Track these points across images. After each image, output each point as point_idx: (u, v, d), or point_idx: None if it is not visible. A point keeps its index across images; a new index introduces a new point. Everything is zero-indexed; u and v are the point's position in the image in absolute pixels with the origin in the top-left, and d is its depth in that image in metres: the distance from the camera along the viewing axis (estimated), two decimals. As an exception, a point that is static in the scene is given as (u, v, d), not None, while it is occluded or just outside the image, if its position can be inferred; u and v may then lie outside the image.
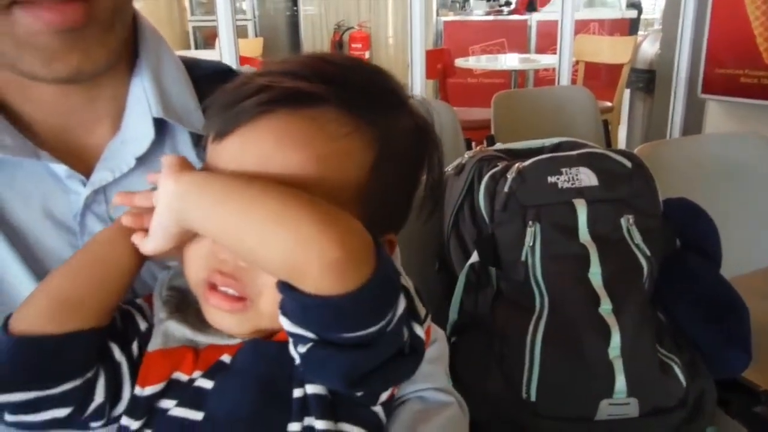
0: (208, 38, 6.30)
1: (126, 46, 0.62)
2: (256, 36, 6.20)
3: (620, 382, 0.97)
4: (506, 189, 1.13)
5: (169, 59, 0.67)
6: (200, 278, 0.52)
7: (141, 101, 0.62)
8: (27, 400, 0.49)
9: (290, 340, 0.47)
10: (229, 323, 0.52)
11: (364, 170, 0.51)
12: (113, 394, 0.53)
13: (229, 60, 2.66)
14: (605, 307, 1.02)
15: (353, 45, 6.58)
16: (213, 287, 0.51)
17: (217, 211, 0.46)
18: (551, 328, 1.02)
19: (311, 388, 0.50)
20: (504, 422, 1.00)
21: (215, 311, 0.52)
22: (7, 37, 0.51)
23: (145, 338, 0.55)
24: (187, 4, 6.52)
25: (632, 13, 5.75)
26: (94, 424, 0.54)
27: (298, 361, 0.48)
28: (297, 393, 0.50)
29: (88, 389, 0.52)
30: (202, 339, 0.53)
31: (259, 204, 0.45)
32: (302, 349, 0.46)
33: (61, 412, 0.51)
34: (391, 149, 0.53)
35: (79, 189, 0.60)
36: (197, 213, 0.47)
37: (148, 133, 0.62)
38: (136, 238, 0.52)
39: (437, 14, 6.04)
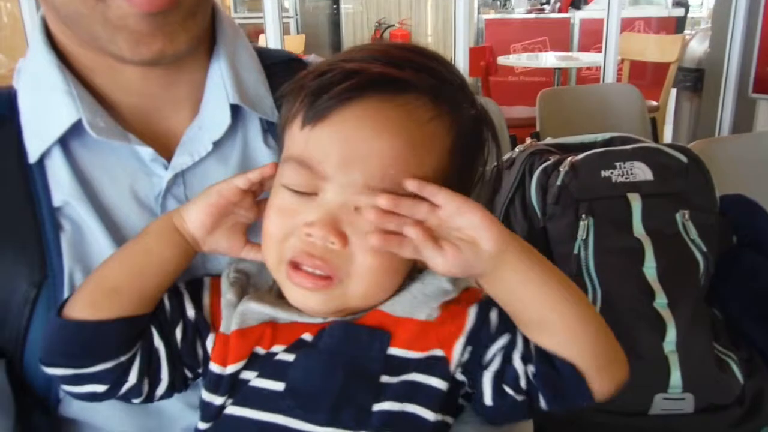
0: (250, 35, 6.35)
1: (205, 34, 0.65)
2: (298, 33, 6.27)
3: (675, 377, 0.97)
4: (558, 182, 1.13)
5: (244, 47, 0.69)
6: (284, 258, 0.53)
7: (219, 88, 0.64)
8: (68, 375, 0.54)
9: (494, 368, 0.52)
10: (312, 301, 0.53)
11: (444, 156, 0.53)
12: (151, 376, 0.56)
13: (276, 55, 2.70)
14: (660, 301, 1.01)
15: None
16: (296, 267, 0.53)
17: (536, 283, 0.50)
18: (605, 320, 1.02)
19: (435, 382, 0.52)
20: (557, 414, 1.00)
21: (297, 289, 0.53)
22: (100, 20, 0.54)
23: (192, 324, 0.58)
24: (230, 1, 6.62)
25: (679, 12, 5.63)
26: (134, 400, 0.57)
27: (486, 390, 0.53)
28: (386, 379, 0.52)
29: (122, 371, 0.55)
30: (283, 316, 0.55)
31: (576, 295, 0.50)
32: (514, 394, 0.52)
33: (98, 388, 0.55)
34: (463, 137, 0.55)
35: (161, 172, 0.62)
36: (516, 278, 0.49)
37: (225, 119, 0.64)
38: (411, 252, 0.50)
39: (478, 12, 6.01)
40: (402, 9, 6.76)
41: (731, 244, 1.13)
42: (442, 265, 0.49)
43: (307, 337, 0.55)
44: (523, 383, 0.51)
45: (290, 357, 0.54)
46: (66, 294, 0.58)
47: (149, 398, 0.57)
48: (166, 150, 0.63)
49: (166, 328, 0.57)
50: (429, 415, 0.52)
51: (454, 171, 0.54)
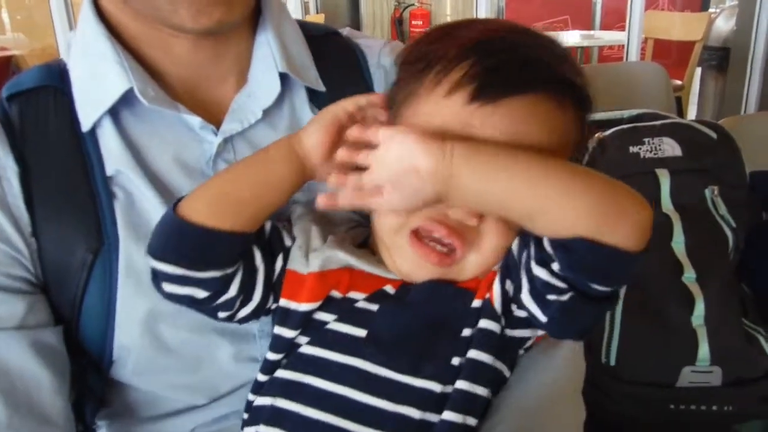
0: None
1: (253, 5, 0.66)
2: (317, 12, 6.24)
3: (704, 350, 0.97)
4: (586, 158, 1.13)
5: (288, 19, 0.71)
6: (407, 226, 0.54)
7: (266, 57, 0.66)
8: (175, 274, 0.55)
9: (527, 289, 0.51)
10: (427, 273, 0.55)
11: (568, 152, 0.55)
12: (245, 293, 0.58)
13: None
14: (688, 275, 1.01)
15: (413, 22, 6.54)
16: (419, 238, 0.54)
17: (500, 176, 0.48)
18: (632, 295, 1.03)
19: (485, 323, 0.53)
20: (586, 383, 1.01)
21: (416, 260, 0.55)
22: None
23: (288, 253, 0.60)
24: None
25: (704, -11, 5.52)
26: (221, 314, 0.59)
27: (536, 311, 0.51)
28: (466, 332, 0.54)
29: (225, 282, 0.57)
30: (366, 268, 0.57)
31: (554, 169, 0.48)
32: (559, 298, 0.49)
33: (198, 293, 0.56)
34: (580, 135, 0.57)
35: (210, 138, 0.64)
36: (472, 180, 0.48)
37: (275, 87, 0.65)
38: (351, 196, 0.52)
39: (499, -9, 5.93)
40: (422, -12, 6.68)
41: (761, 220, 1.13)
42: (385, 204, 0.50)
43: (389, 289, 0.57)
44: (557, 282, 0.49)
45: (373, 306, 0.56)
46: (122, 262, 0.60)
47: (234, 316, 0.59)
48: (213, 119, 0.65)
49: (267, 253, 0.59)
50: (486, 358, 0.53)
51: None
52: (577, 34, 4.67)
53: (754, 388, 0.99)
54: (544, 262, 0.49)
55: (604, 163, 1.12)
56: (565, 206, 0.47)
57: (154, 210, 0.61)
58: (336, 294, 0.57)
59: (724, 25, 3.63)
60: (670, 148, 1.11)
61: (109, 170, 0.61)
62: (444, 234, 0.53)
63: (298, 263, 0.59)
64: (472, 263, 0.55)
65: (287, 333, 0.57)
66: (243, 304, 0.59)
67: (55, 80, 0.64)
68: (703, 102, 3.75)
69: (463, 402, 0.52)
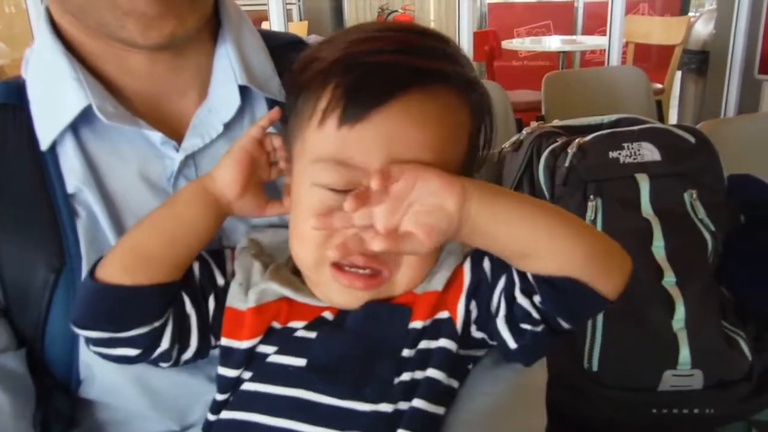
0: (254, 21, 6.33)
1: (210, 16, 0.65)
2: (301, 20, 6.24)
3: (684, 354, 0.98)
4: (567, 164, 1.14)
5: (249, 29, 0.70)
6: (326, 260, 0.53)
7: (226, 70, 0.65)
8: (101, 338, 0.55)
9: (503, 314, 0.52)
10: (358, 299, 0.54)
11: (466, 141, 0.55)
12: (181, 342, 0.58)
13: (279, 42, 2.71)
14: (669, 279, 1.02)
15: (396, 28, 6.57)
16: (339, 267, 0.53)
17: (513, 220, 0.49)
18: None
19: (444, 342, 0.53)
20: (566, 390, 1.02)
21: (344, 290, 0.54)
22: (109, 6, 0.54)
23: (222, 292, 0.59)
24: (232, -11, 6.58)
25: (684, -7, 5.58)
26: (163, 365, 0.59)
27: (507, 336, 0.52)
28: (406, 353, 0.53)
29: (155, 336, 0.56)
30: (302, 300, 0.56)
31: (554, 215, 0.50)
32: (532, 328, 0.52)
33: (131, 352, 0.56)
34: (478, 118, 0.56)
35: (172, 154, 0.63)
36: (489, 222, 0.49)
37: (235, 100, 0.65)
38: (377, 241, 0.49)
39: (482, -4, 5.97)
40: (405, -6, 6.71)
41: (739, 223, 1.14)
42: (423, 249, 0.48)
43: (328, 315, 0.56)
44: (535, 314, 0.51)
45: (311, 334, 0.55)
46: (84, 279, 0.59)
47: (176, 363, 0.59)
48: (175, 133, 0.64)
49: (198, 296, 0.58)
50: (441, 376, 0.53)
51: (469, 154, 0.55)
52: (557, 40, 4.71)
53: (734, 391, 1.00)
54: (528, 292, 0.51)
55: (584, 169, 1.13)
56: (564, 250, 0.49)
57: (110, 228, 0.60)
58: (276, 325, 0.56)
59: (703, 28, 3.68)
60: (649, 152, 1.12)
61: (70, 188, 0.60)
62: (361, 262, 0.52)
63: (237, 300, 0.57)
64: (403, 277, 0.54)
65: (230, 372, 0.56)
66: (181, 352, 0.58)
67: (13, 98, 0.63)
68: (684, 105, 3.79)
69: (418, 420, 0.52)
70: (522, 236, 0.49)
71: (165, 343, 0.57)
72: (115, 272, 0.54)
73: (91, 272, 0.55)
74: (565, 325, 0.51)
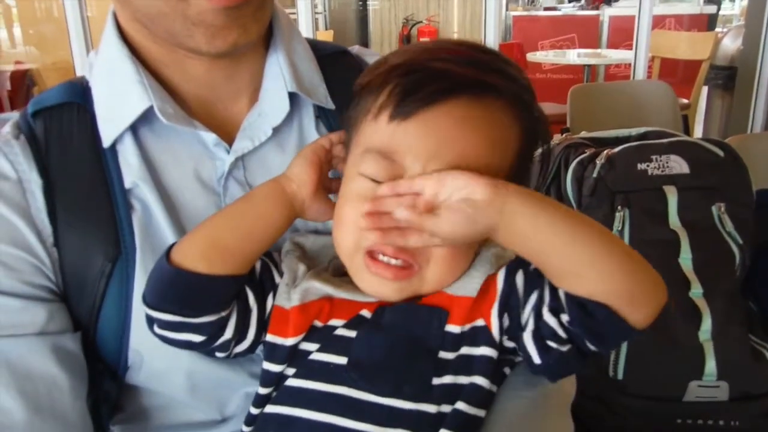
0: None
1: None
2: (327, 29, 6.31)
3: (710, 365, 0.98)
4: (595, 175, 1.15)
5: (298, 38, 0.73)
6: (361, 248, 0.56)
7: (277, 77, 0.68)
8: (171, 321, 0.57)
9: (531, 329, 0.53)
10: (388, 290, 0.56)
11: (513, 158, 0.56)
12: (240, 333, 0.60)
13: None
14: (695, 291, 1.03)
15: (421, 39, 6.61)
16: (373, 256, 0.55)
17: (553, 228, 0.49)
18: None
19: (485, 350, 0.54)
20: (591, 398, 1.03)
21: (374, 278, 0.55)
22: (180, 17, 0.57)
23: (277, 291, 0.61)
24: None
25: (711, 9, 5.56)
26: (219, 354, 0.61)
27: (533, 351, 0.53)
28: (444, 354, 0.54)
29: (221, 325, 0.58)
30: (343, 295, 0.58)
31: (598, 233, 0.49)
32: (558, 347, 0.52)
33: (195, 338, 0.58)
34: (528, 139, 0.57)
35: (223, 156, 0.66)
36: (526, 224, 0.49)
37: (284, 106, 0.67)
38: (406, 214, 0.52)
39: (506, 9, 5.99)
40: (430, 5, 6.76)
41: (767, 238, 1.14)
42: (445, 227, 0.50)
43: (366, 313, 0.57)
44: (562, 333, 0.51)
45: (351, 333, 0.57)
46: (138, 270, 0.62)
47: (230, 354, 0.61)
48: (227, 136, 0.67)
49: (259, 292, 0.60)
50: (484, 383, 0.54)
51: (517, 173, 0.56)
52: (582, 53, 4.71)
53: (760, 403, 1.00)
54: (556, 311, 0.51)
55: (612, 180, 1.14)
56: (602, 274, 0.48)
57: (166, 223, 0.63)
58: (318, 323, 0.58)
59: (731, 44, 3.66)
60: (677, 165, 1.13)
61: (127, 183, 0.64)
62: (390, 252, 0.54)
63: (283, 299, 0.60)
64: (432, 274, 0.55)
65: (274, 368, 0.58)
66: (237, 344, 0.60)
67: (78, 97, 0.67)
68: (710, 120, 3.77)
69: (461, 422, 0.53)
70: (562, 249, 0.49)
71: (228, 333, 0.59)
72: (193, 258, 0.56)
73: (167, 256, 0.57)
74: (592, 347, 0.51)
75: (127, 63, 0.64)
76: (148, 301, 0.57)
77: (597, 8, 5.70)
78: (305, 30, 2.78)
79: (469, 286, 0.56)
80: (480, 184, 0.49)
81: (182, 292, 0.57)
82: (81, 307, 0.63)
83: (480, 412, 0.54)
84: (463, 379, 0.54)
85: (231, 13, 0.58)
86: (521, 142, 0.56)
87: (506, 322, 0.54)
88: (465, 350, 0.55)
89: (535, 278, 0.53)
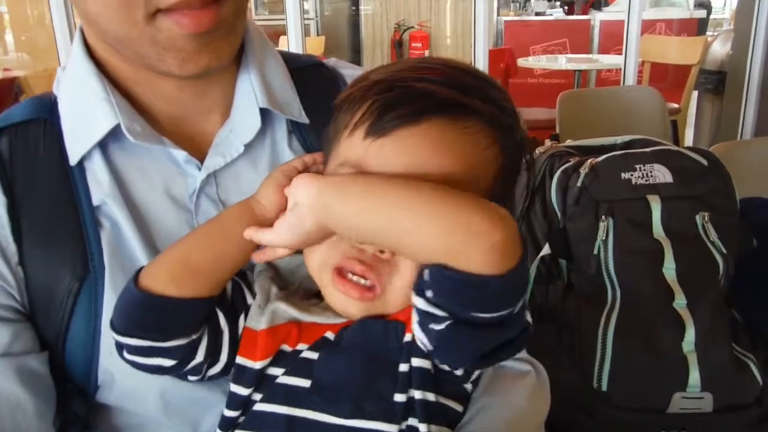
0: (271, 36, 6.42)
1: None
2: (318, 35, 6.32)
3: (694, 376, 0.98)
4: (579, 184, 1.15)
5: (271, 53, 0.72)
6: (329, 265, 0.56)
7: (248, 93, 0.68)
8: (141, 346, 0.56)
9: (416, 319, 0.51)
10: (354, 309, 0.56)
11: (493, 179, 0.56)
12: (212, 356, 0.59)
13: (297, 57, 2.75)
14: (679, 301, 1.02)
15: (413, 44, 6.62)
16: (341, 274, 0.55)
17: (366, 206, 0.50)
18: (623, 320, 1.03)
19: (417, 362, 0.54)
20: (575, 409, 1.02)
21: (341, 297, 0.55)
22: (149, 42, 0.57)
23: (249, 312, 0.60)
24: (251, 3, 6.69)
25: (701, 13, 5.59)
26: (191, 378, 0.60)
27: (423, 339, 0.51)
28: (403, 367, 0.54)
29: (192, 348, 0.58)
30: (307, 318, 0.58)
31: (414, 196, 0.49)
32: (436, 326, 0.49)
33: (166, 362, 0.57)
34: (509, 161, 0.57)
35: (194, 172, 0.66)
36: (343, 210, 0.51)
37: (255, 122, 0.67)
38: (252, 232, 0.56)
39: (498, 14, 6.01)
40: (421, 11, 6.77)
41: (752, 246, 1.14)
42: (275, 238, 0.55)
43: (330, 335, 0.57)
44: (435, 311, 0.49)
45: (314, 355, 0.56)
46: (107, 289, 0.61)
47: (203, 378, 0.60)
48: (198, 152, 0.66)
49: (230, 313, 0.60)
50: (429, 396, 0.53)
51: (498, 193, 0.56)
52: (573, 58, 4.73)
53: (745, 415, 1.00)
54: (421, 290, 0.50)
55: (596, 189, 1.13)
56: (422, 232, 0.48)
57: (136, 240, 0.62)
58: (286, 347, 0.58)
59: (720, 48, 3.67)
60: (661, 174, 1.12)
61: (96, 200, 0.63)
62: (357, 270, 0.54)
63: (253, 320, 0.59)
64: (396, 293, 0.55)
65: (242, 390, 0.57)
66: (210, 366, 0.60)
67: (46, 113, 0.66)
68: (700, 125, 3.78)
69: None
70: (388, 221, 0.49)
71: (200, 356, 0.58)
72: (162, 281, 0.56)
73: (135, 280, 0.56)
74: (480, 315, 0.48)
75: (94, 80, 0.63)
76: (116, 327, 0.57)
77: (576, 14, 5.74)
78: (294, 36, 2.77)
79: None
80: (303, 187, 0.53)
81: (151, 316, 0.56)
82: (48, 327, 0.62)
83: (438, 429, 0.54)
84: (414, 393, 0.53)
85: (201, 38, 0.57)
86: (501, 164, 0.56)
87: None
88: (415, 362, 0.54)
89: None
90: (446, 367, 0.55)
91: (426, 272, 0.49)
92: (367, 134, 0.53)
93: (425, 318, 0.50)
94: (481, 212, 0.47)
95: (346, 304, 0.56)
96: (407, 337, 0.54)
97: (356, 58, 6.80)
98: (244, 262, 0.60)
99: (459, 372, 0.55)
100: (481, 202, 0.48)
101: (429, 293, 0.49)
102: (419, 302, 0.50)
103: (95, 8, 0.57)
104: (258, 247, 0.60)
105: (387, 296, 0.55)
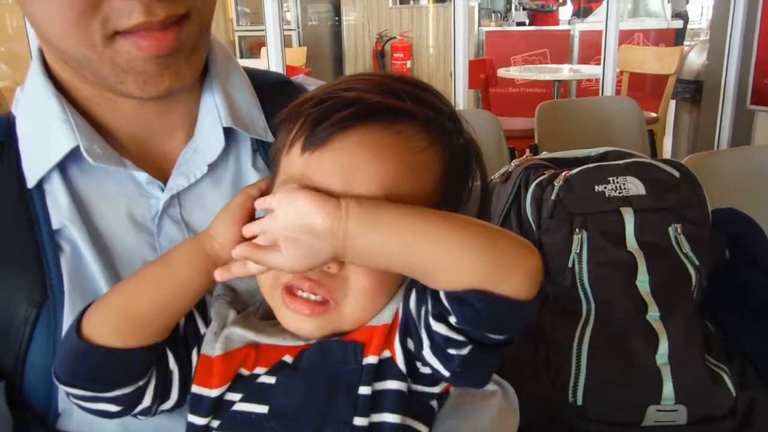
0: (252, 47, 6.46)
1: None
2: (300, 45, 6.32)
3: (668, 389, 0.98)
4: (553, 197, 1.15)
5: (236, 71, 0.72)
6: (279, 284, 0.55)
7: (212, 112, 0.67)
8: (85, 396, 0.55)
9: (427, 344, 0.51)
10: (308, 326, 0.55)
11: (434, 183, 0.55)
12: (161, 397, 0.58)
13: (277, 68, 2.75)
14: (653, 314, 1.02)
15: (395, 55, 6.64)
16: (291, 292, 0.54)
17: (401, 238, 0.48)
18: (598, 333, 1.03)
19: (391, 384, 0.53)
20: (551, 423, 1.01)
21: (293, 315, 0.55)
22: (109, 64, 0.56)
23: (204, 339, 0.59)
24: (232, 14, 6.68)
25: (678, 24, 5.67)
26: (141, 418, 0.59)
27: (438, 365, 0.51)
28: (363, 390, 0.53)
29: (138, 394, 0.57)
30: (265, 340, 0.57)
31: (449, 226, 0.48)
32: (459, 352, 0.50)
33: (112, 408, 0.56)
34: (453, 164, 0.57)
35: (157, 194, 0.64)
36: (371, 240, 0.48)
37: (219, 142, 0.66)
38: (224, 273, 0.53)
39: (479, 24, 6.05)
40: (403, 21, 6.80)
41: (724, 257, 1.15)
42: (285, 262, 0.49)
43: (288, 359, 0.56)
44: (456, 336, 0.50)
45: (272, 380, 0.55)
46: (67, 315, 0.60)
47: (155, 414, 0.59)
48: (161, 172, 0.65)
49: (182, 349, 0.58)
50: (397, 419, 0.53)
51: (442, 196, 0.56)
52: (559, 68, 4.77)
53: (718, 426, 1.00)
54: (442, 316, 0.50)
55: (570, 202, 1.14)
56: (458, 260, 0.48)
57: (96, 264, 0.61)
58: (244, 372, 0.56)
59: (696, 58, 3.73)
60: (634, 187, 1.13)
61: (55, 224, 0.62)
62: (306, 288, 0.53)
63: (208, 347, 0.58)
64: (350, 308, 0.54)
65: (199, 420, 0.56)
66: (161, 404, 0.58)
67: (4, 134, 0.65)
68: (678, 133, 3.83)
69: None
70: (416, 252, 0.48)
71: (147, 401, 0.57)
72: (104, 333, 0.54)
73: (77, 326, 0.54)
74: (494, 336, 0.50)
75: (52, 100, 0.62)
76: (58, 375, 0.55)
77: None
78: (274, 48, 2.77)
79: (385, 315, 0.55)
80: (320, 210, 0.48)
81: (94, 368, 0.54)
82: (5, 355, 0.61)
83: None
84: (377, 417, 0.52)
85: (162, 60, 0.57)
86: (443, 166, 0.56)
87: (412, 347, 0.53)
88: (378, 385, 0.53)
89: (422, 293, 0.52)
90: (424, 388, 0.54)
91: (444, 297, 0.49)
92: (304, 148, 0.53)
93: (446, 344, 0.50)
94: (512, 240, 0.49)
95: (298, 322, 0.55)
96: (369, 359, 0.54)
97: (338, 69, 6.81)
98: (194, 304, 0.57)
99: (437, 389, 0.55)
100: (505, 230, 0.50)
101: (452, 319, 0.49)
102: (441, 328, 0.49)
103: (52, 29, 0.56)
104: (209, 288, 0.58)
105: (342, 309, 0.54)
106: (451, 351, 0.50)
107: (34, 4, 0.55)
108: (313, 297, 0.54)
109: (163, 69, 0.57)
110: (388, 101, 0.53)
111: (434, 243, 0.48)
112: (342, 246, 0.48)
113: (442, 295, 0.49)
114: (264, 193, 0.58)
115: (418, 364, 0.54)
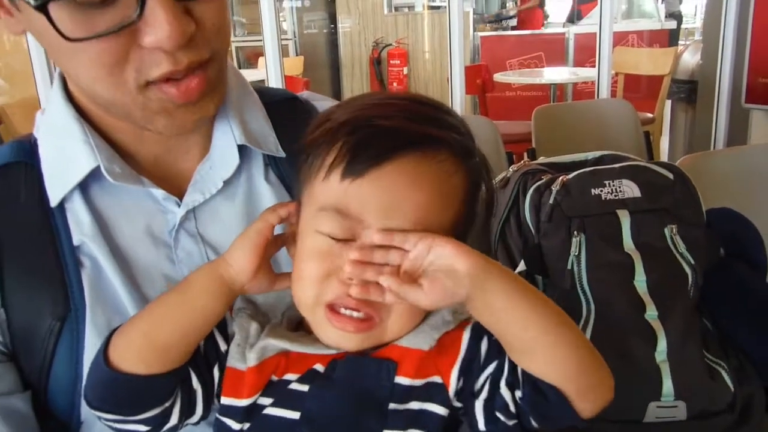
0: (249, 57, 6.48)
1: None
2: (297, 55, 6.36)
3: (668, 386, 1.00)
4: (551, 201, 1.18)
5: (247, 91, 0.75)
6: (322, 301, 0.56)
7: (226, 131, 0.70)
8: (114, 419, 0.57)
9: (484, 396, 0.55)
10: (351, 342, 0.56)
11: (460, 203, 0.58)
12: (187, 414, 0.60)
13: (275, 78, 2.78)
14: (651, 313, 1.05)
15: (392, 61, 6.68)
16: (334, 309, 0.56)
17: (522, 310, 0.51)
18: (598, 333, 1.06)
19: (435, 408, 0.55)
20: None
21: (336, 332, 0.56)
22: (141, 108, 0.59)
23: (225, 358, 0.60)
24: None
25: (671, 24, 5.71)
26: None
27: (479, 416, 0.55)
28: (393, 406, 0.55)
29: (165, 415, 0.58)
30: (297, 349, 0.59)
31: (565, 322, 0.53)
32: (504, 419, 0.55)
33: (141, 428, 0.58)
34: (472, 183, 0.59)
35: (174, 209, 0.67)
36: (497, 298, 0.51)
37: (234, 159, 0.69)
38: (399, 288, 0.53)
39: (474, 29, 6.09)
40: (399, 28, 6.84)
41: (719, 256, 1.17)
42: (424, 300, 0.51)
43: (319, 367, 0.58)
44: (512, 408, 0.54)
45: (304, 387, 0.57)
46: (89, 327, 0.62)
47: (180, 428, 0.61)
48: (177, 188, 0.68)
49: (203, 368, 0.60)
50: None
51: (463, 216, 0.59)
52: (555, 71, 4.80)
53: (717, 421, 1.02)
54: (512, 385, 0.53)
55: (568, 205, 1.16)
56: (561, 359, 0.52)
57: (117, 278, 0.64)
58: (274, 378, 0.58)
59: (690, 58, 3.75)
60: (629, 189, 1.16)
61: (76, 240, 0.64)
62: (353, 306, 0.55)
63: (236, 360, 0.59)
64: (393, 325, 0.56)
65: (233, 424, 0.58)
66: (187, 419, 0.60)
67: (27, 156, 0.68)
68: (675, 133, 3.85)
69: None
70: (531, 332, 0.51)
71: (174, 419, 0.59)
72: (129, 361, 0.56)
73: (104, 353, 0.56)
74: (534, 425, 0.54)
75: (74, 124, 0.65)
76: (89, 401, 0.57)
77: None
78: (272, 57, 2.79)
79: (419, 339, 0.57)
80: (465, 257, 0.51)
81: (122, 395, 0.56)
82: (30, 367, 0.64)
83: None
84: None
85: (192, 104, 0.60)
86: (466, 187, 0.58)
87: (461, 384, 0.56)
88: (415, 404, 0.55)
89: (497, 348, 0.55)
90: (456, 418, 0.57)
91: (522, 374, 0.53)
92: (343, 177, 0.54)
93: (500, 407, 0.54)
94: (608, 371, 0.55)
95: (341, 338, 0.56)
96: (401, 380, 0.56)
97: (335, 76, 6.85)
98: (213, 326, 0.59)
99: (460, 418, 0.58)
100: (599, 358, 0.54)
101: (519, 394, 0.53)
102: (507, 396, 0.54)
103: (86, 76, 0.58)
104: (226, 311, 0.60)
105: (385, 325, 0.56)
106: (500, 416, 0.54)
107: (65, 56, 0.57)
108: (356, 314, 0.55)
109: (192, 111, 0.60)
110: (427, 131, 0.55)
111: (551, 335, 0.52)
112: (475, 293, 0.51)
113: (520, 370, 0.53)
114: (283, 220, 0.59)
115: (455, 398, 0.56)
